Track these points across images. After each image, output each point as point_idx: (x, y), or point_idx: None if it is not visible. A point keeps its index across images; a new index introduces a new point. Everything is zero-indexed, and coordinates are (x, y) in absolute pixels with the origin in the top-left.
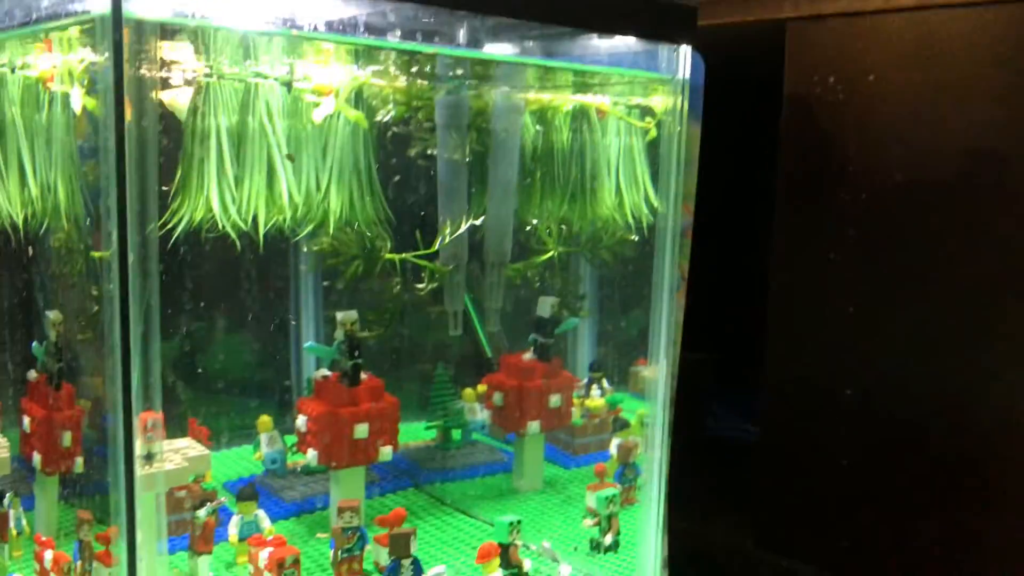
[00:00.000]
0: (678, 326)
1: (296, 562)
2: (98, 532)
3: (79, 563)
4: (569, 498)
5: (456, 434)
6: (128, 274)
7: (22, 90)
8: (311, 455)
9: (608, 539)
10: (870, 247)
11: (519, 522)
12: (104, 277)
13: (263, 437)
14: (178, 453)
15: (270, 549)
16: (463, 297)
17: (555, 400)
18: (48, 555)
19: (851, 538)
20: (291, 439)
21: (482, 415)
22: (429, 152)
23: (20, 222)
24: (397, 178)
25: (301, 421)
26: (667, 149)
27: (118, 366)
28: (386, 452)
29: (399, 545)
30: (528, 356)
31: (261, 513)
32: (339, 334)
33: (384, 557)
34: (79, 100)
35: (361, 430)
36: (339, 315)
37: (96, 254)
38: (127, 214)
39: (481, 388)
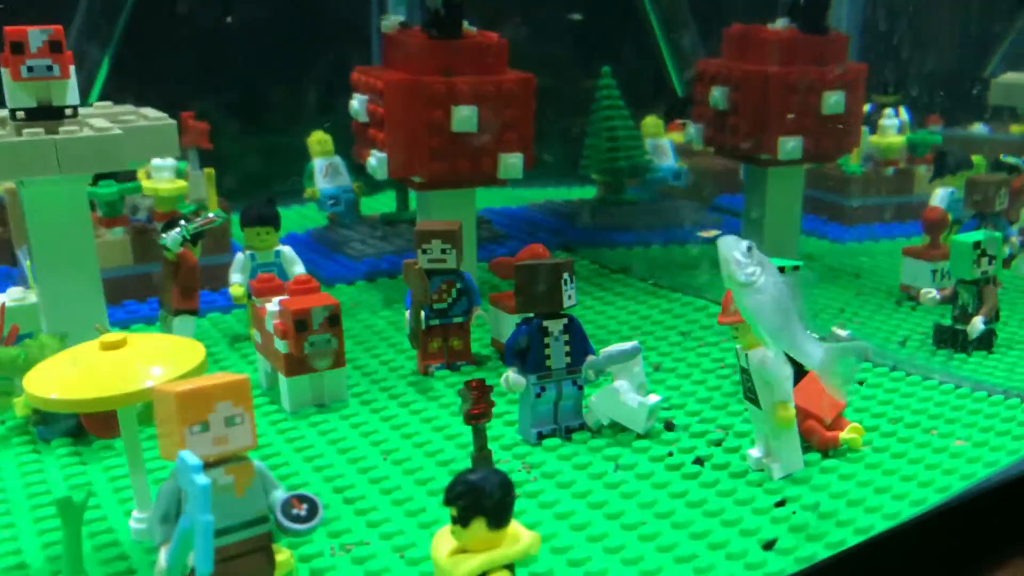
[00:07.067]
0: None
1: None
2: None
3: None
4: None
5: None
6: None
7: None
8: (375, 159)
9: (978, 322)
10: None
11: None
12: None
13: (317, 164)
14: None
15: (281, 296)
16: None
17: (833, 101)
18: None
19: None
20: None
21: (674, 158)
22: None
23: None
24: None
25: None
26: None
27: None
28: (512, 164)
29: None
30: (781, 23)
31: (287, 251)
32: None
33: (505, 326)
34: None
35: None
36: None
37: None
38: None
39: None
